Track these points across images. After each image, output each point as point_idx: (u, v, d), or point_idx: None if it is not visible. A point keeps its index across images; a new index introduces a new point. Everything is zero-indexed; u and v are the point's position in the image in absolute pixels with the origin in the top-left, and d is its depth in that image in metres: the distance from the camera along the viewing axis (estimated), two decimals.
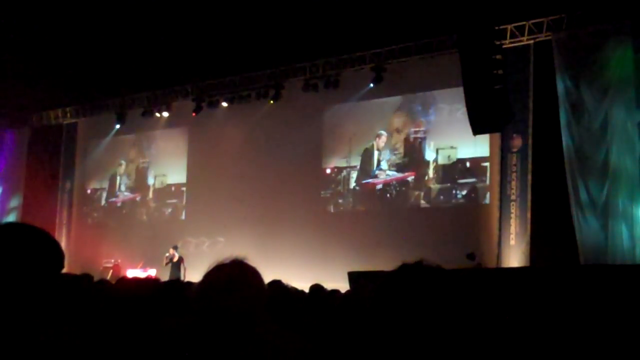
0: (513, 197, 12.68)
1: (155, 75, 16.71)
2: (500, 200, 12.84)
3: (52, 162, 19.82)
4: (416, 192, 13.74)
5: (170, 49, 15.54)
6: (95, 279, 5.30)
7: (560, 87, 12.02)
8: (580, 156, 11.78)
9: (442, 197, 13.27)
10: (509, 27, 12.80)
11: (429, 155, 13.70)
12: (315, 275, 8.36)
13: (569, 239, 11.50)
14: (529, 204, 12.47)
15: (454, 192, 13.01)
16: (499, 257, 12.58)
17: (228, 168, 16.51)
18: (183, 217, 17.76)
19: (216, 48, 15.29)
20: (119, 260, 17.14)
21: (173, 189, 18.08)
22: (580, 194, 11.65)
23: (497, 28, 11.71)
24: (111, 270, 16.43)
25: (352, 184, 15.18)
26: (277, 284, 3.93)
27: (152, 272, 14.77)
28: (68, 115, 19.44)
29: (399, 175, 14.01)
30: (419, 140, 13.76)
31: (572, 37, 12.09)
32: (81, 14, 15.03)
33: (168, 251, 15.30)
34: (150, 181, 18.50)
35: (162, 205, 18.20)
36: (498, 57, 10.83)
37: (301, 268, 13.28)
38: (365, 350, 1.66)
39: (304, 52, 15.06)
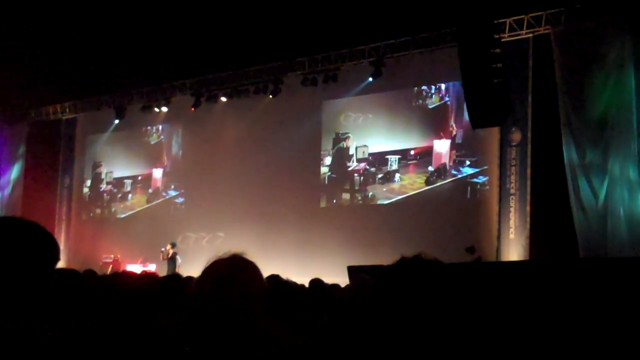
0: (512, 190, 12.68)
1: (154, 70, 16.68)
2: (500, 194, 12.84)
3: (51, 157, 19.79)
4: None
5: (168, 44, 15.51)
6: None
7: (559, 81, 11.99)
8: (579, 149, 11.76)
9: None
10: (507, 20, 12.76)
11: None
12: (314, 270, 8.37)
13: (569, 232, 11.49)
14: (529, 197, 12.46)
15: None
16: (498, 250, 12.59)
17: (227, 162, 16.49)
18: (182, 212, 17.74)
19: (215, 43, 15.27)
20: (119, 256, 17.15)
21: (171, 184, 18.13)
22: (580, 188, 11.64)
23: (496, 21, 11.68)
24: (111, 266, 16.43)
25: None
26: (275, 278, 3.93)
27: (151, 267, 14.76)
28: (67, 110, 19.40)
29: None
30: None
31: (571, 30, 12.05)
32: (80, 9, 15.00)
33: (165, 247, 15.31)
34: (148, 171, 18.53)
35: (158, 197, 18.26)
36: (497, 50, 10.80)
37: (301, 263, 13.30)
38: (366, 344, 1.65)
39: (302, 47, 15.03)
